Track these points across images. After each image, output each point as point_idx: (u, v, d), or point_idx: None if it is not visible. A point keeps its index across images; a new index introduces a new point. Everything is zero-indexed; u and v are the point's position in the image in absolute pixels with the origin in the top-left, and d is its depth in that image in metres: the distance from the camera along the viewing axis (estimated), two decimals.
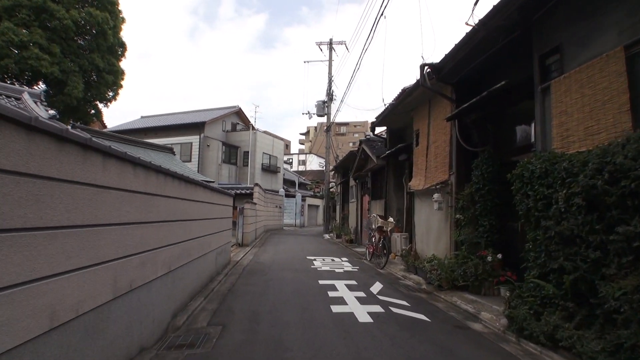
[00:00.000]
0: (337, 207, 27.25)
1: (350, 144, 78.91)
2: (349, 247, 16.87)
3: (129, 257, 3.67)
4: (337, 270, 9.90)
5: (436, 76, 7.97)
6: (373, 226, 11.07)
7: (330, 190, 30.53)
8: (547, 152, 5.03)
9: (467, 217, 7.68)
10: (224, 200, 9.36)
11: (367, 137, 15.28)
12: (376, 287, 7.78)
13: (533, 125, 6.06)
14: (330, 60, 29.35)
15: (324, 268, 10.17)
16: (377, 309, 6.05)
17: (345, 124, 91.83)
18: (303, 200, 38.85)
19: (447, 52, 7.41)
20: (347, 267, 10.57)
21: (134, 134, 29.42)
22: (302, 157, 79.35)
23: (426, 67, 7.99)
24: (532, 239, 4.94)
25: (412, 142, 10.74)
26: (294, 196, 37.70)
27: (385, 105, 11.47)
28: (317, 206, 44.16)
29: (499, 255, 6.91)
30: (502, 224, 7.34)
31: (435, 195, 8.38)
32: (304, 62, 33.55)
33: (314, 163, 71.94)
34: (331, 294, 7.06)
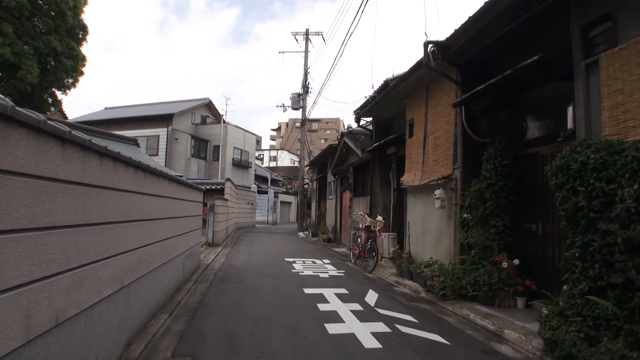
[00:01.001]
0: (313, 204, 26.18)
1: (322, 141, 77.98)
2: (327, 247, 15.82)
3: (53, 278, 2.46)
4: (321, 275, 8.82)
5: (442, 55, 6.99)
6: (360, 225, 10.06)
7: (305, 186, 29.42)
8: (598, 140, 4.09)
9: (475, 217, 6.74)
10: (193, 196, 8.11)
11: (349, 129, 14.27)
12: (371, 297, 6.74)
13: (571, 109, 5.13)
14: (306, 51, 28.20)
15: (306, 272, 9.06)
16: (382, 327, 5.00)
17: (317, 121, 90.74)
18: (275, 196, 37.59)
19: (456, 27, 6.44)
20: (332, 270, 9.51)
21: (97, 126, 27.38)
22: (273, 153, 77.90)
23: (430, 45, 6.99)
24: (581, 245, 3.99)
25: (404, 133, 9.77)
26: (266, 192, 36.38)
27: (374, 91, 10.45)
28: (290, 203, 42.99)
29: (516, 261, 6.00)
30: (516, 225, 6.44)
31: (437, 192, 7.42)
32: (279, 52, 32.43)
33: (286, 159, 70.69)
34: (322, 306, 5.97)
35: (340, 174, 16.69)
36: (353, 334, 4.69)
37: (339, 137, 14.88)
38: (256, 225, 30.49)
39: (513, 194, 6.41)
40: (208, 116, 36.05)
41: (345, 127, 14.10)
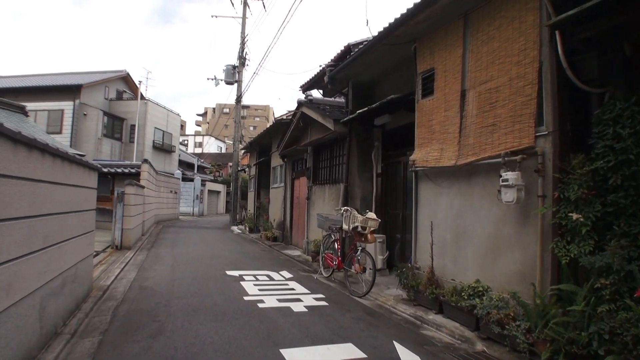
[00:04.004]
0: (250, 194, 22.51)
1: (251, 128, 73.73)
2: (275, 249, 12.45)
3: None
4: (294, 307, 5.50)
5: None
6: (345, 226, 6.85)
7: (241, 173, 25.61)
8: None
9: (591, 218, 3.83)
10: (76, 178, 4.43)
11: (309, 97, 10.96)
12: None
13: None
14: (244, 17, 24.31)
15: (268, 302, 5.69)
16: None
17: (247, 107, 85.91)
18: (203, 184, 33.23)
19: None
20: (304, 294, 6.24)
21: None
22: (198, 139, 72.35)
23: None
24: None
25: (411, 92, 6.69)
26: (191, 180, 31.91)
27: (369, 30, 7.23)
28: (219, 192, 38.71)
29: None
30: None
31: (508, 176, 4.41)
32: (211, 16, 27.69)
33: (212, 146, 65.80)
34: None
35: (293, 156, 13.32)
36: None
37: (296, 107, 11.45)
38: (180, 217, 26.12)
39: None
40: (125, 91, 30.62)
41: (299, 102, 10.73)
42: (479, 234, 5.20)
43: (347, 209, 6.91)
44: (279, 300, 5.77)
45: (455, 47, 5.74)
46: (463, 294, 5.05)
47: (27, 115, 17.61)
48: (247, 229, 18.70)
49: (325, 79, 9.01)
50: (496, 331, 4.22)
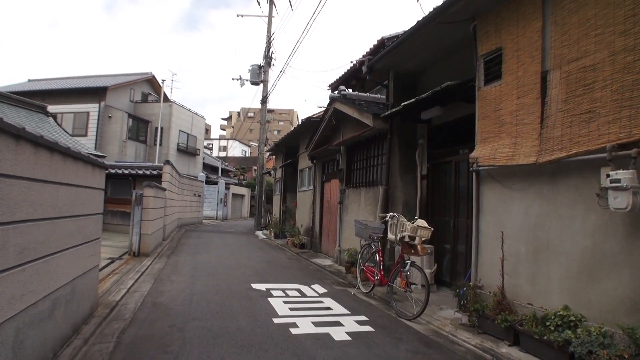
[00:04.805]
0: (276, 198, 21.69)
1: (275, 132, 73.22)
2: (303, 257, 11.53)
3: None
4: (334, 333, 4.54)
5: None
6: (392, 235, 5.87)
7: (266, 176, 24.89)
8: None
9: None
10: (71, 175, 3.61)
11: (342, 92, 10.02)
12: None
13: None
14: (270, 16, 23.66)
15: (301, 326, 4.75)
16: None
17: (271, 111, 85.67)
18: (227, 188, 32.68)
19: None
20: (343, 315, 5.28)
21: None
22: (223, 142, 72.50)
23: None
24: None
25: (471, 79, 5.66)
26: (216, 183, 31.41)
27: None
28: (243, 196, 38.20)
29: None
30: None
31: (622, 176, 3.36)
32: (237, 15, 27.15)
33: (237, 149, 65.78)
34: None
35: (323, 157, 12.39)
36: None
37: (328, 102, 10.52)
38: (204, 221, 25.55)
39: None
40: (150, 94, 30.38)
41: (328, 100, 9.82)
42: (567, 248, 4.13)
43: (394, 216, 5.91)
44: (315, 324, 4.82)
45: (532, 20, 4.70)
46: (548, 323, 4.00)
47: (49, 115, 17.30)
48: (272, 234, 17.88)
49: (364, 69, 8.06)
50: None
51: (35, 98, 24.35)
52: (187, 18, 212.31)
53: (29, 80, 30.03)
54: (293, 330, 4.56)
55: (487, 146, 5.21)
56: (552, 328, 3.95)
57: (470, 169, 5.42)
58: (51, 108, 22.09)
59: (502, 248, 4.71)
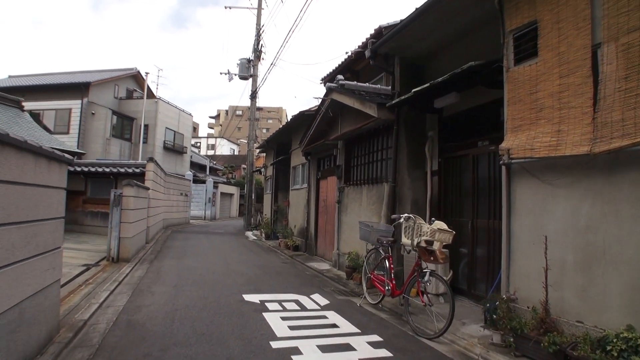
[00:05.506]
0: (267, 197, 20.83)
1: (264, 130, 72.08)
2: (297, 260, 10.73)
3: None
4: None
5: None
6: (407, 240, 5.09)
7: (255, 174, 23.99)
8: None
9: None
10: (21, 172, 2.75)
11: (340, 82, 9.21)
12: None
13: None
14: (259, 7, 22.69)
15: (305, 352, 3.93)
16: None
17: (259, 109, 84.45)
18: (215, 187, 31.69)
19: None
20: (353, 335, 4.50)
21: None
22: (211, 141, 71.33)
23: None
24: None
25: (497, 59, 4.90)
26: (204, 182, 30.41)
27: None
28: (231, 195, 37.25)
29: None
30: None
31: None
32: (225, 7, 26.10)
33: (225, 148, 64.72)
34: None
35: (318, 152, 11.57)
36: None
37: (325, 93, 9.69)
38: (191, 221, 24.57)
39: None
40: (135, 90, 29.32)
41: (327, 91, 8.99)
42: (631, 256, 3.40)
43: (410, 217, 5.12)
44: (322, 349, 4.02)
45: None
46: (609, 347, 3.27)
47: (22, 109, 16.28)
48: (264, 235, 17.04)
49: (367, 53, 7.27)
50: None
51: (15, 94, 23.21)
52: (175, 16, 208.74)
53: (9, 77, 28.74)
54: (296, 359, 3.75)
55: (520, 135, 4.45)
56: (615, 354, 3.23)
57: (501, 162, 4.66)
58: (32, 105, 21.05)
59: (545, 255, 3.95)
